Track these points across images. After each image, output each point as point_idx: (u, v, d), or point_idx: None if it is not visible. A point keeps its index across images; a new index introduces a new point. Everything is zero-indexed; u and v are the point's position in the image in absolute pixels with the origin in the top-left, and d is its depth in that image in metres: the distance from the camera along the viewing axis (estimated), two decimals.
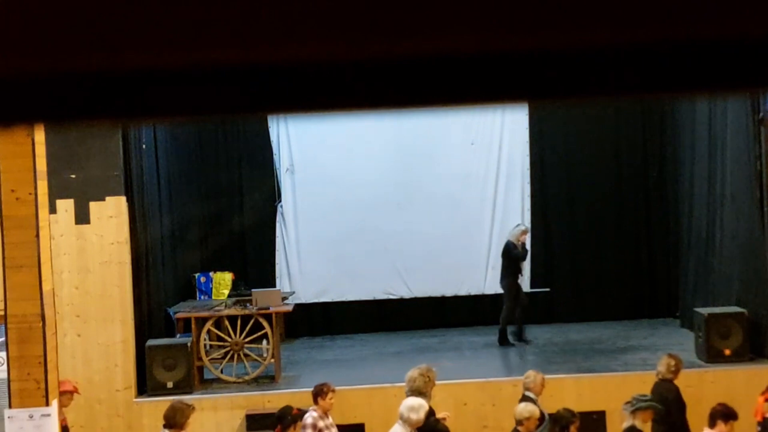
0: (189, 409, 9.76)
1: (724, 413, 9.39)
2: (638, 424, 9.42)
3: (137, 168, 13.10)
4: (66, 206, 12.52)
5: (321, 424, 10.16)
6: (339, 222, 16.37)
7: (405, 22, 1.06)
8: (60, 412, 9.87)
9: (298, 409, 10.33)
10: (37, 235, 8.73)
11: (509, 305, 14.76)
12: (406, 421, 9.15)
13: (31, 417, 8.68)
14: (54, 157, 11.13)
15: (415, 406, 9.20)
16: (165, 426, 9.78)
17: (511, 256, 14.84)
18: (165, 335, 13.76)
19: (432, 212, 16.40)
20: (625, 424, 9.50)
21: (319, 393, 10.27)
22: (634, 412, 9.43)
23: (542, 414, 9.77)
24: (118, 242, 12.62)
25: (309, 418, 10.12)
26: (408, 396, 9.58)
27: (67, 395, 10.53)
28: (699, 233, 14.83)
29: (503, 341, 14.70)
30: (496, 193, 16.55)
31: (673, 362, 10.60)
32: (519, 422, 9.53)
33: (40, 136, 8.92)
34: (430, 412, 9.60)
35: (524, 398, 10.13)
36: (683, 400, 10.49)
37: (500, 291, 16.60)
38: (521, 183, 16.59)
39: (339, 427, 10.66)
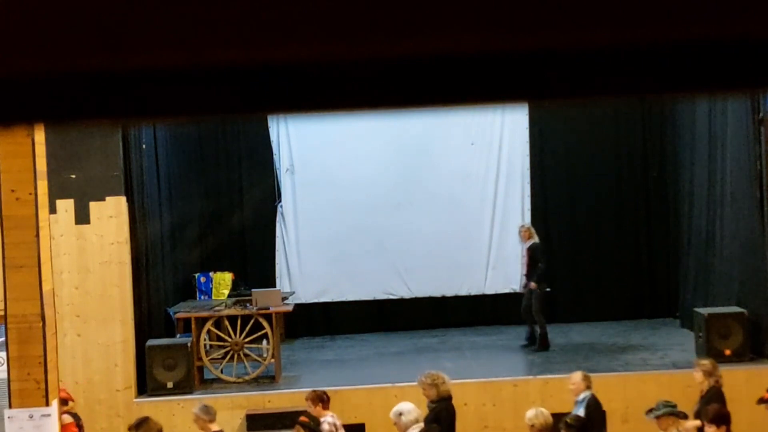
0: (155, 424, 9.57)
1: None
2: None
3: (137, 168, 13.10)
4: (66, 206, 12.52)
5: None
6: (339, 222, 16.37)
7: (405, 22, 1.06)
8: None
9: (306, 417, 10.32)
10: (37, 235, 8.72)
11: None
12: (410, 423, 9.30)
13: (31, 417, 8.67)
14: (54, 157, 11.13)
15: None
16: None
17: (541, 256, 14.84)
18: (165, 335, 13.75)
19: (432, 212, 16.40)
20: None
21: (327, 399, 10.40)
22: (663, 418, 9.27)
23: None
24: (118, 242, 12.61)
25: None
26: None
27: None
28: (699, 233, 14.83)
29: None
30: (496, 193, 16.55)
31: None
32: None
33: (40, 136, 8.91)
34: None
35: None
36: None
37: (501, 291, 16.62)
38: (521, 183, 16.59)
39: None
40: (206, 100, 1.11)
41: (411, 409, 9.39)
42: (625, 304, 16.46)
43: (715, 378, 10.18)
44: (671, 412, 9.28)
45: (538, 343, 14.54)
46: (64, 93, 1.10)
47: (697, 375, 10.30)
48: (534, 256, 14.71)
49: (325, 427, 10.11)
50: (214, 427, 10.18)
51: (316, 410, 10.28)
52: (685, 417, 9.42)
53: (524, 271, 15.01)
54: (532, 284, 14.55)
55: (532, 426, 9.37)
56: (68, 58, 1.08)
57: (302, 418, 10.18)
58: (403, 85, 1.10)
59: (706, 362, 10.49)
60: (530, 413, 9.48)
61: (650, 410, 9.40)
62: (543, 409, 9.59)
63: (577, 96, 1.13)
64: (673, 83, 1.11)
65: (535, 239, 14.83)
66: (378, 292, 16.50)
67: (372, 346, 15.39)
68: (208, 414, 10.19)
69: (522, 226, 15.24)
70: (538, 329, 14.62)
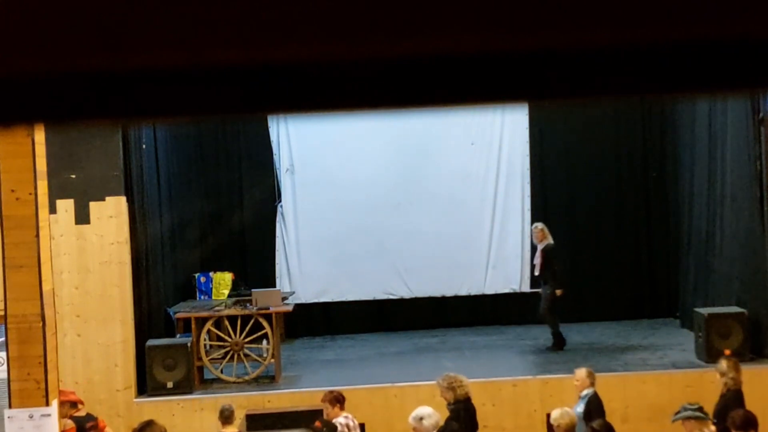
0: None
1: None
2: None
3: (137, 168, 13.10)
4: (66, 206, 12.52)
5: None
6: (339, 222, 16.37)
7: (405, 22, 1.06)
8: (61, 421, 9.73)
9: (320, 422, 10.33)
10: (37, 235, 8.72)
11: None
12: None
13: (31, 417, 8.67)
14: (54, 157, 11.13)
15: None
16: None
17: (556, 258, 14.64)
18: (165, 335, 13.75)
19: (432, 212, 16.40)
20: None
21: (343, 399, 10.43)
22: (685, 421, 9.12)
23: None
24: (118, 242, 12.62)
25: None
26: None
27: (66, 405, 10.15)
28: (699, 233, 14.83)
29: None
30: (496, 193, 16.54)
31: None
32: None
33: (40, 136, 8.91)
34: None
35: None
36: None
37: (501, 291, 16.60)
38: (521, 183, 16.58)
39: None
40: (206, 100, 1.11)
41: (431, 413, 9.39)
42: (625, 304, 16.46)
43: (734, 378, 10.12)
44: (694, 415, 9.17)
45: (552, 343, 14.40)
46: (64, 93, 1.10)
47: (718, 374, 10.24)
48: (549, 258, 14.39)
49: (338, 428, 10.12)
50: (229, 429, 10.17)
51: (333, 411, 10.28)
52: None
53: (537, 273, 14.67)
54: (558, 291, 14.26)
55: (558, 426, 9.35)
56: (68, 58, 1.08)
57: (317, 424, 10.18)
58: (403, 85, 1.10)
59: (725, 361, 10.39)
60: (555, 413, 9.48)
61: (676, 413, 9.29)
62: (568, 409, 9.58)
63: (577, 96, 1.13)
64: (673, 83, 1.11)
65: (549, 240, 14.44)
66: (378, 292, 16.50)
67: (372, 346, 15.39)
68: (221, 416, 10.22)
69: (535, 227, 14.81)
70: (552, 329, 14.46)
